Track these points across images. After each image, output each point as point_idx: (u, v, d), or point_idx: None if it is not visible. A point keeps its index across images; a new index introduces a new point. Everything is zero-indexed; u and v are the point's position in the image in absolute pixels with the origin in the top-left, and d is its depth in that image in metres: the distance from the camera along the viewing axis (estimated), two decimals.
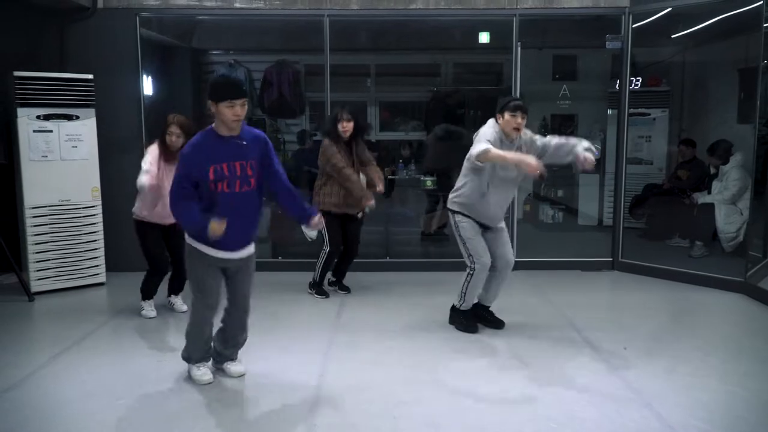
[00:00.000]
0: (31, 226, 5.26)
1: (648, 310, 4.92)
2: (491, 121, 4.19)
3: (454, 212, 4.32)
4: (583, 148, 4.03)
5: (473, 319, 4.43)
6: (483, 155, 3.89)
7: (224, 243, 3.26)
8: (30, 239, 5.26)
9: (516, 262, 6.02)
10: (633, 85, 7.24)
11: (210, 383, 3.50)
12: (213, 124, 3.25)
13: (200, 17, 6.47)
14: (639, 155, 8.02)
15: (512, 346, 4.12)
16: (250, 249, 3.47)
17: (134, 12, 5.89)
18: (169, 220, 4.50)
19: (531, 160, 3.81)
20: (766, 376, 3.62)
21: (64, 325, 4.60)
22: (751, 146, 5.55)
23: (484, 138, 4.02)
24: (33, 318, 4.86)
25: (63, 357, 3.94)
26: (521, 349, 4.06)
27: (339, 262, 5.46)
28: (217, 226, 3.08)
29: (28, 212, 5.24)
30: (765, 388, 3.44)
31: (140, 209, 4.63)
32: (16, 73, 5.12)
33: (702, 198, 6.72)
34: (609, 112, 7.40)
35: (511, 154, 3.95)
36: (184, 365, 3.64)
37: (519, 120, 4.07)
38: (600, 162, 7.54)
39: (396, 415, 3.11)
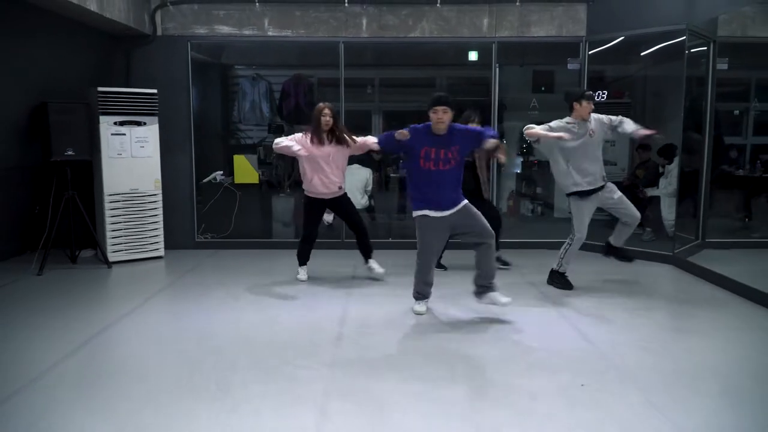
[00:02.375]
0: (109, 209, 6.62)
1: (595, 275, 6.27)
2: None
3: (570, 195, 5.61)
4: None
5: (564, 280, 5.79)
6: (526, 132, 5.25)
7: (437, 205, 4.66)
8: (107, 220, 6.62)
9: (499, 242, 7.46)
10: (599, 97, 8.61)
11: (423, 314, 4.90)
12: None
13: (237, 42, 7.78)
14: (605, 157, 9.33)
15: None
16: (460, 205, 4.73)
17: (186, 39, 7.28)
18: (331, 195, 5.78)
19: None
20: (666, 312, 5.00)
21: (139, 285, 5.96)
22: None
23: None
24: (115, 280, 6.20)
25: (144, 306, 5.27)
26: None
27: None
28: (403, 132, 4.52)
29: (106, 198, 6.60)
30: (665, 319, 4.83)
31: (306, 185, 5.78)
32: (99, 89, 6.48)
33: (651, 192, 8.10)
34: None
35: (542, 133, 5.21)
36: (234, 313, 4.98)
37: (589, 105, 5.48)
38: None
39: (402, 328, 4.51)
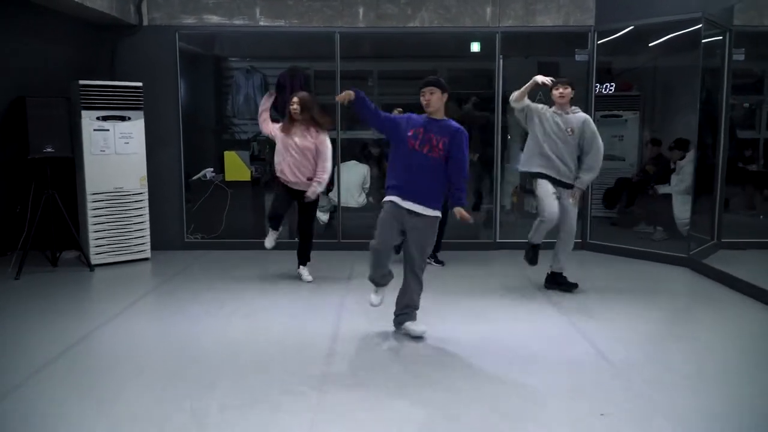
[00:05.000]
0: (91, 209, 6.27)
1: (605, 280, 5.91)
2: None
3: (533, 175, 5.35)
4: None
5: (536, 257, 5.56)
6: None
7: (400, 191, 4.16)
8: (90, 220, 6.27)
9: (501, 243, 7.15)
10: (607, 90, 8.24)
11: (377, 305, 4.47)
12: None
13: (228, 32, 7.42)
14: (612, 152, 8.98)
15: (487, 302, 5.15)
16: (425, 209, 4.16)
17: (174, 29, 6.92)
18: (296, 186, 5.59)
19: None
20: (684, 321, 4.67)
21: (123, 289, 5.60)
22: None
23: None
24: (97, 283, 5.87)
25: (123, 315, 4.93)
26: (494, 303, 5.10)
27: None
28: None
29: (89, 198, 6.25)
30: (682, 327, 4.49)
31: (276, 164, 5.69)
32: (81, 82, 6.12)
33: (662, 189, 7.74)
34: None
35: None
36: (221, 322, 4.65)
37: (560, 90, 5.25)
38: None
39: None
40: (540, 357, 3.95)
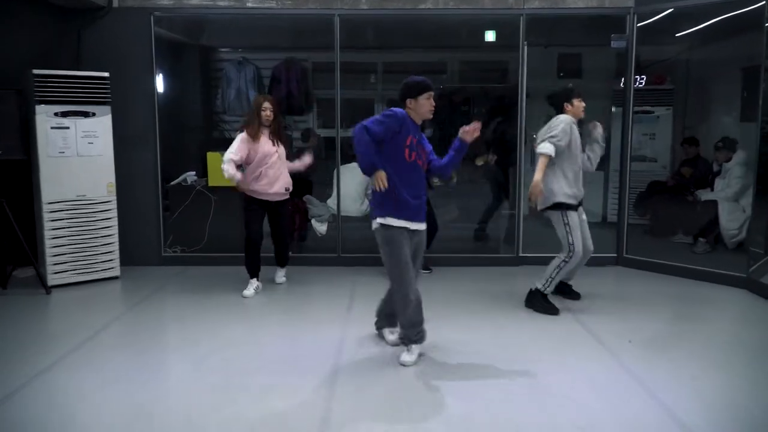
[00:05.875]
0: (49, 221, 5.37)
1: (651, 305, 5.01)
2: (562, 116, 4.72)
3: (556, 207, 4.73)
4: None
5: (548, 304, 4.84)
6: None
7: (409, 212, 3.72)
8: (47, 234, 5.37)
9: (522, 257, 6.26)
10: (637, 83, 7.32)
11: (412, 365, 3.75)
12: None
13: (211, 16, 6.54)
14: (643, 153, 8.08)
15: (519, 337, 4.24)
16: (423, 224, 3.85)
17: (148, 11, 6.02)
18: (274, 197, 5.21)
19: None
20: (765, 367, 3.73)
21: (82, 317, 4.72)
22: (754, 144, 5.67)
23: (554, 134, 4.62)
24: (52, 310, 4.97)
25: (85, 346, 4.07)
26: (525, 339, 4.19)
27: None
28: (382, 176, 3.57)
29: (45, 207, 5.35)
30: (764, 378, 3.56)
31: (248, 184, 5.19)
32: (35, 71, 5.23)
33: (705, 195, 6.82)
34: (613, 109, 7.46)
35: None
36: (188, 372, 3.71)
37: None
38: (604, 159, 7.65)
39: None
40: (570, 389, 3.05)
